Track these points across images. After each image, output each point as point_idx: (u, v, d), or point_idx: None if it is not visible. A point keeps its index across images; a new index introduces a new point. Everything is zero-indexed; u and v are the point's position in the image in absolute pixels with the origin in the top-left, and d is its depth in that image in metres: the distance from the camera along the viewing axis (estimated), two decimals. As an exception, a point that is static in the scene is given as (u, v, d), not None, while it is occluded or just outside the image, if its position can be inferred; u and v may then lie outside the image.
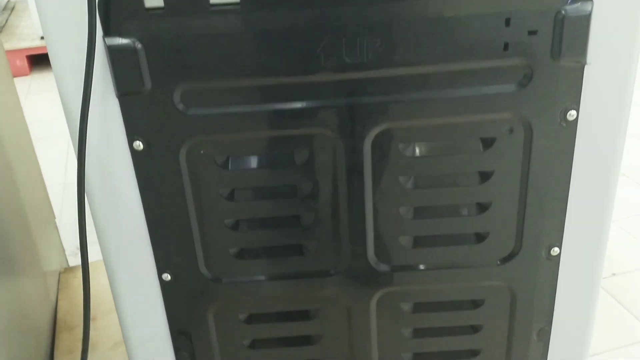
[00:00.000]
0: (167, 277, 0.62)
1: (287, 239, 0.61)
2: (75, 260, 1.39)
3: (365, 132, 0.56)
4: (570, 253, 0.62)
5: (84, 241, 0.60)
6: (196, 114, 0.54)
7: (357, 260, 0.62)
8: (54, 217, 1.35)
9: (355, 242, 0.61)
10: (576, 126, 0.56)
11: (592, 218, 0.61)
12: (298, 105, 0.54)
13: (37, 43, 2.49)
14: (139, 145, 0.55)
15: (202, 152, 0.56)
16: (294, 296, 0.64)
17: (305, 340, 0.67)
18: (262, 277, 0.63)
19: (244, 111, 0.54)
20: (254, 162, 0.58)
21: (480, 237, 0.61)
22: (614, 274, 1.39)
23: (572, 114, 0.55)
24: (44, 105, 2.26)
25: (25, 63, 2.52)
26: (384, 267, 0.63)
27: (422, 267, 0.62)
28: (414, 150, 0.58)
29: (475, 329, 0.67)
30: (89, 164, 0.56)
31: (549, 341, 0.68)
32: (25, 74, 2.55)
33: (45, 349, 1.08)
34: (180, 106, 0.54)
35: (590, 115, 0.56)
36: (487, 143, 0.57)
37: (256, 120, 0.55)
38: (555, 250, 0.62)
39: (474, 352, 0.68)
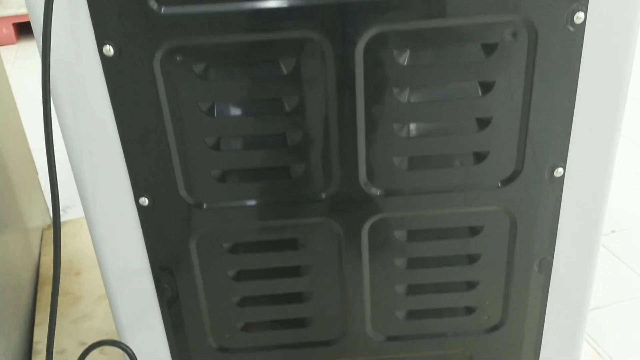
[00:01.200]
0: (144, 201, 0.58)
1: (272, 160, 0.57)
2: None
3: (357, 36, 0.52)
4: (575, 175, 0.58)
5: (52, 163, 0.55)
6: (171, 13, 0.49)
7: (348, 184, 0.58)
8: (37, 174, 1.31)
9: (346, 164, 0.57)
10: (584, 31, 0.52)
11: (599, 136, 0.57)
12: (282, 3, 0.50)
13: (24, 11, 2.41)
14: (109, 50, 0.51)
15: (178, 58, 0.52)
16: (280, 223, 0.60)
17: (293, 272, 0.63)
18: (247, 203, 0.59)
19: (224, 10, 0.49)
20: (235, 72, 0.54)
21: (479, 157, 0.57)
22: (613, 231, 1.37)
23: (579, 17, 0.51)
24: (30, 73, 2.21)
25: (11, 31, 2.46)
26: (376, 191, 0.59)
27: (417, 190, 0.59)
28: (409, 58, 0.54)
29: (472, 259, 0.63)
30: (55, 73, 0.52)
31: (550, 273, 0.64)
32: (12, 43, 2.49)
33: (27, 303, 1.04)
34: (154, 4, 0.49)
35: (599, 17, 0.52)
36: (489, 50, 0.53)
37: (237, 21, 0.50)
38: (559, 171, 0.58)
39: (471, 284, 0.64)
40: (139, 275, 0.63)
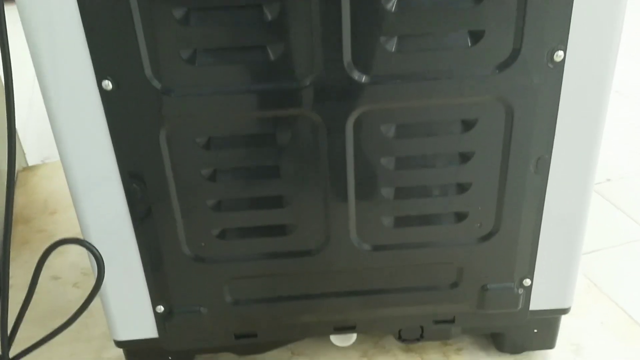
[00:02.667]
0: (107, 85, 0.53)
1: (248, 37, 0.52)
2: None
3: None
4: (577, 59, 0.54)
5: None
6: None
7: (331, 68, 0.53)
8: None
9: (329, 44, 0.52)
10: None
11: (603, 14, 0.53)
12: None
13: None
14: None
15: None
16: (257, 115, 0.56)
17: (273, 172, 0.59)
18: (220, 88, 0.54)
19: None
20: None
21: (474, 37, 0.52)
22: (608, 180, 1.34)
23: None
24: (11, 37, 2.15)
25: (-9, -11, 2.38)
26: (361, 77, 0.54)
27: (406, 76, 0.54)
28: None
29: (465, 158, 0.59)
30: None
31: (547, 175, 0.60)
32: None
33: (-1, 240, 1.00)
34: None
35: None
36: None
37: None
38: (559, 55, 0.53)
39: (463, 187, 0.60)
40: (105, 173, 0.58)
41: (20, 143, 1.31)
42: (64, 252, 1.02)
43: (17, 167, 1.26)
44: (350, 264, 0.64)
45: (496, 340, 0.77)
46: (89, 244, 0.56)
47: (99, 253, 0.56)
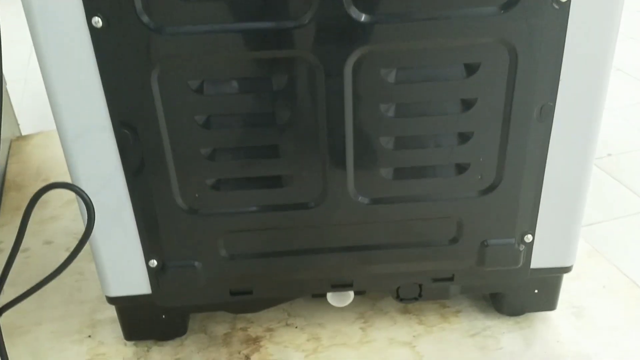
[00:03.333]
0: (97, 22, 0.51)
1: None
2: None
3: None
4: (582, 1, 0.52)
5: None
6: None
7: (330, 7, 0.52)
8: (5, 86, 1.24)
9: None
10: None
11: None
12: None
13: None
14: None
15: None
16: (253, 55, 0.54)
17: (268, 118, 0.57)
18: (214, 26, 0.52)
19: None
20: None
21: (477, -26, 0.51)
22: (609, 154, 1.33)
23: None
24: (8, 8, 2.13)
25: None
26: (362, 16, 0.52)
27: (408, 15, 0.52)
28: None
29: (467, 105, 0.57)
30: None
31: (551, 123, 0.58)
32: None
33: (-9, 205, 0.98)
34: None
35: None
36: None
37: None
38: (565, -6, 0.52)
39: (464, 136, 0.59)
40: (96, 120, 0.57)
41: (14, 114, 1.30)
42: (58, 217, 1.00)
43: (11, 135, 1.25)
44: (347, 218, 0.63)
45: (495, 301, 0.76)
46: (79, 188, 0.54)
47: (89, 198, 0.54)
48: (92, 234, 0.63)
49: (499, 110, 0.57)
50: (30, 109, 1.54)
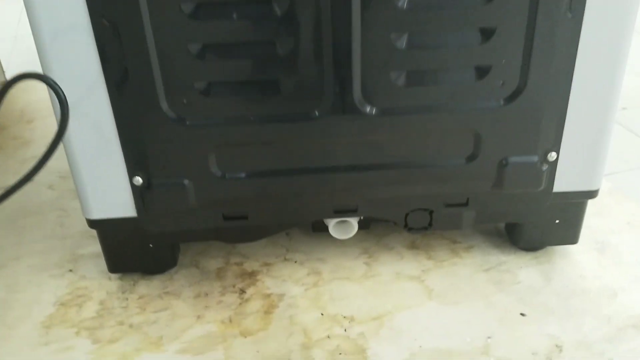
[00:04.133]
0: None
1: None
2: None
3: None
4: None
5: None
6: None
7: None
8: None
9: None
10: None
11: None
12: None
13: None
14: None
15: None
16: None
17: (264, 10, 0.51)
18: None
19: None
20: None
21: None
22: (624, 108, 1.28)
23: None
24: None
25: None
26: None
27: None
28: None
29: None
30: None
31: (582, 18, 0.52)
32: None
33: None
34: None
35: None
36: None
37: None
38: None
39: (486, 33, 0.52)
40: (72, 15, 0.50)
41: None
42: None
43: (-5, 80, 1.19)
44: (352, 131, 0.57)
45: (512, 234, 0.70)
46: (52, 80, 0.48)
47: (62, 91, 0.48)
48: (72, 149, 0.58)
49: (524, 1, 0.51)
50: (18, 65, 1.49)
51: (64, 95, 0.48)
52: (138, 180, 0.58)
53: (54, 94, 0.50)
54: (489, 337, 0.59)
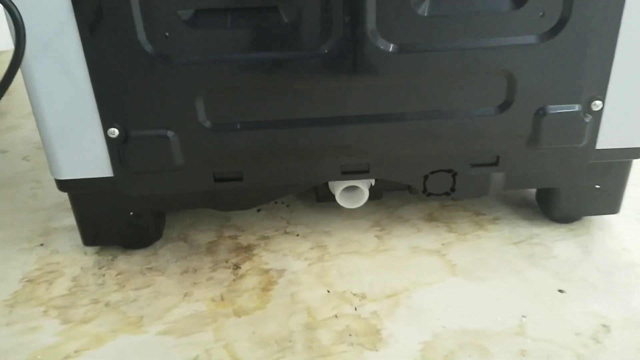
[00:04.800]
0: None
1: None
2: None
3: None
4: None
5: None
6: None
7: None
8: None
9: None
10: None
11: None
12: None
13: None
14: None
15: None
16: None
17: None
18: None
19: None
20: None
21: None
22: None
23: None
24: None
25: None
26: None
27: None
28: None
29: None
30: None
31: None
32: None
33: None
34: None
35: None
36: None
37: None
38: None
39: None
40: None
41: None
42: (17, 127, 0.86)
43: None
44: (364, 72, 0.48)
45: (544, 203, 0.61)
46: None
47: (17, 10, 0.40)
48: (37, 97, 0.49)
49: None
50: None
51: (19, 13, 0.40)
52: (114, 131, 0.50)
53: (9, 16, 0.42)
54: (523, 316, 0.51)
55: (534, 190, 0.64)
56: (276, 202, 0.67)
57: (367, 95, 0.50)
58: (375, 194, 0.60)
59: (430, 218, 0.63)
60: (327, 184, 0.59)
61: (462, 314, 0.51)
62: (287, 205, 0.66)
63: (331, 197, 0.59)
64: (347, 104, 0.50)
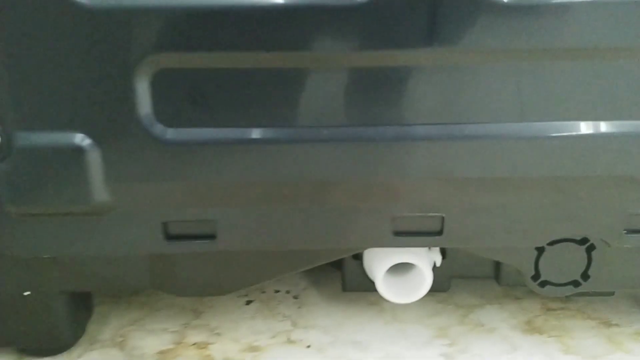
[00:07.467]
0: None
1: None
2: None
3: None
4: None
5: None
6: None
7: None
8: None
9: None
10: None
11: None
12: None
13: None
14: None
15: None
16: None
17: None
18: None
19: None
20: None
21: None
22: None
23: None
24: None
25: None
26: None
27: None
28: None
29: None
30: None
31: None
32: None
33: None
34: None
35: None
36: None
37: None
38: None
39: None
40: None
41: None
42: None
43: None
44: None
45: None
46: None
47: None
48: None
49: None
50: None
51: None
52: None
53: None
54: None
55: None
56: (277, 291, 0.43)
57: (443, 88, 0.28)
58: (439, 283, 0.37)
59: (530, 328, 0.39)
60: (360, 258, 0.36)
61: None
62: (294, 297, 0.42)
63: (366, 284, 0.36)
64: (407, 103, 0.28)
